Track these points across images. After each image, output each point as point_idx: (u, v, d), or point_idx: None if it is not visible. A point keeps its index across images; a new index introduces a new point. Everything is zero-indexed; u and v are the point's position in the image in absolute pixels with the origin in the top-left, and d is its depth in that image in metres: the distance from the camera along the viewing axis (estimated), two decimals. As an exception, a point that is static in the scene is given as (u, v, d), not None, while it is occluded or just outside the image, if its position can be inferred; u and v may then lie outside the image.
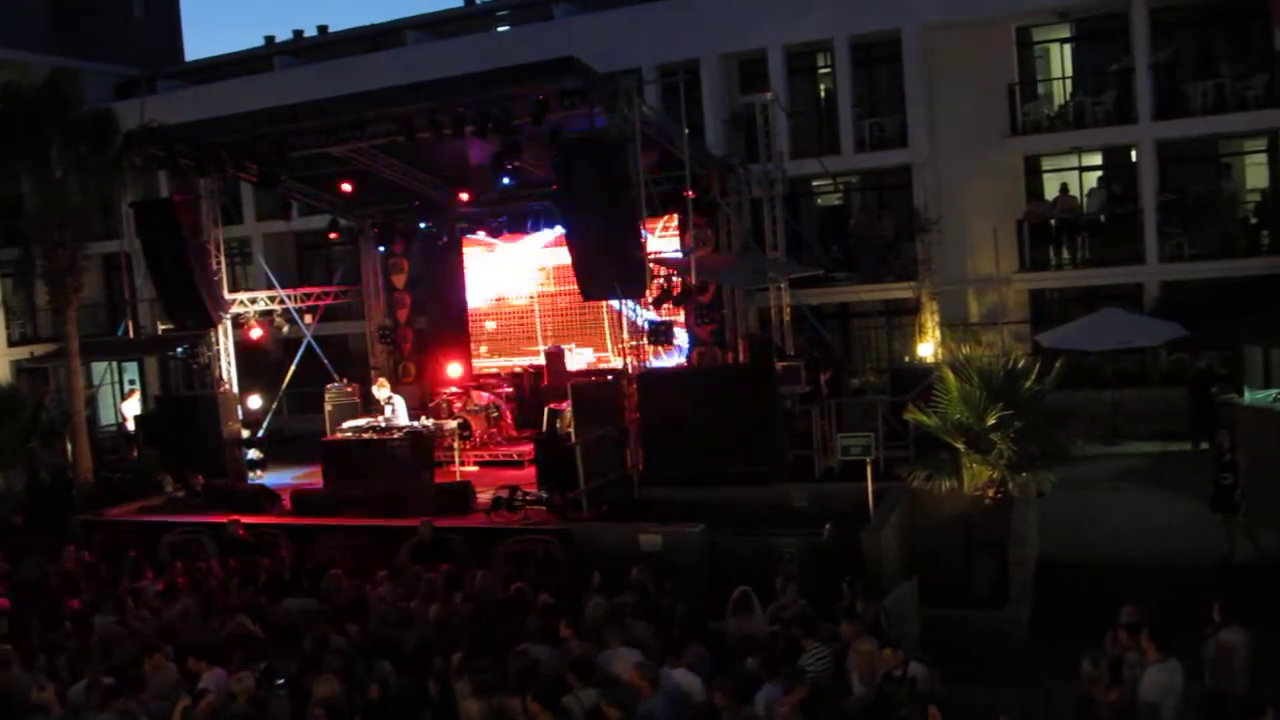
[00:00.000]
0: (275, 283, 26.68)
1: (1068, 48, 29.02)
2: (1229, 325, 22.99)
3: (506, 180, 20.05)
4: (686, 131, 20.75)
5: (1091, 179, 28.49)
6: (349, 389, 24.76)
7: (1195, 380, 23.64)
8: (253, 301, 25.47)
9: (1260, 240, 26.34)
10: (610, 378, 20.37)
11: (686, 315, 22.25)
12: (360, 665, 11.45)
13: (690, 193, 20.29)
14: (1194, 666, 10.76)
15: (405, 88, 20.07)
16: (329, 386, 25.00)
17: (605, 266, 18.13)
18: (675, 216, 23.87)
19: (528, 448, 21.58)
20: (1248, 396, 22.29)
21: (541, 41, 27.40)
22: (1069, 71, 28.98)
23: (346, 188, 24.36)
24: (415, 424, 21.82)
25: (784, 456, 18.89)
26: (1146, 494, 20.20)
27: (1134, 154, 27.37)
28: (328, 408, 24.26)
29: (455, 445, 22.09)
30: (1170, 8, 26.24)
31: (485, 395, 24.23)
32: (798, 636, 11.48)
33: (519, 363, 26.07)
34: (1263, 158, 27.46)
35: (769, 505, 17.61)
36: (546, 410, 21.37)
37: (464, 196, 24.38)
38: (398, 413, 22.13)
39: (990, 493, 15.96)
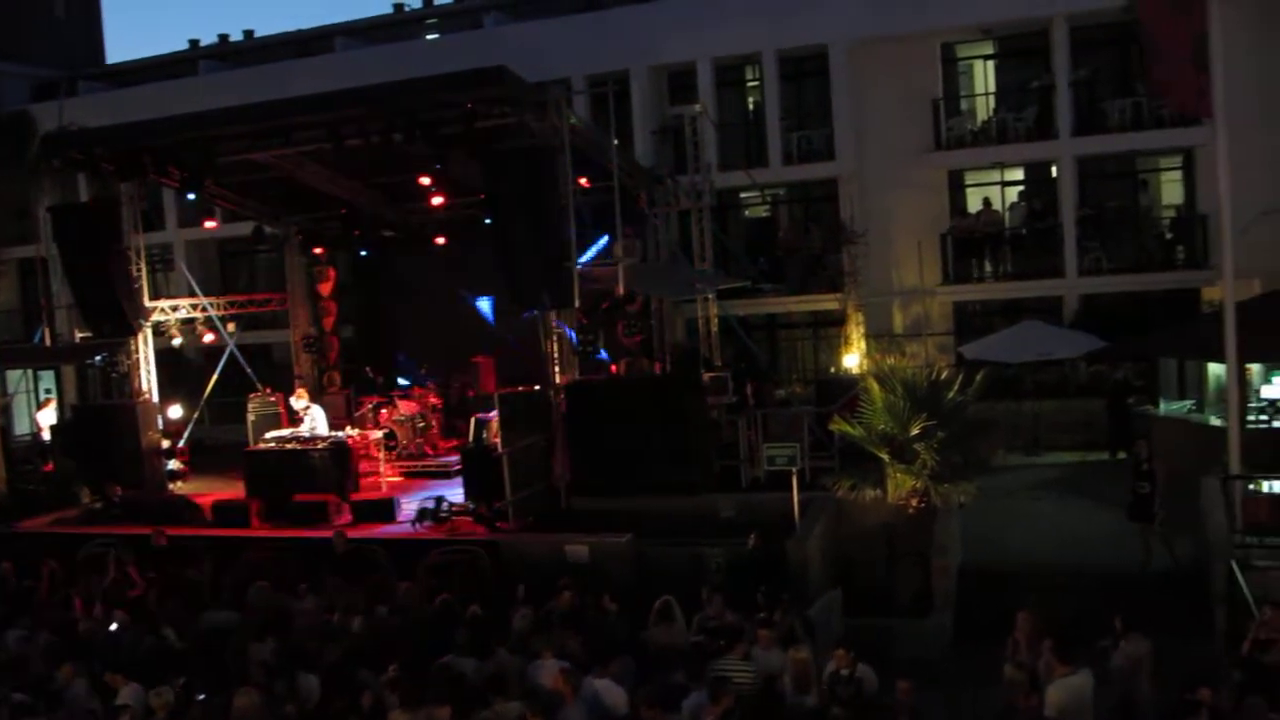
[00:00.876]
0: (198, 290, 26.27)
1: (990, 64, 29.56)
2: (1145, 338, 23.53)
3: (434, 188, 19.92)
4: (616, 142, 20.78)
5: (1013, 193, 29.00)
6: (272, 398, 24.45)
7: (1113, 392, 24.11)
8: (174, 309, 25.04)
9: (1175, 255, 26.96)
10: (538, 388, 20.30)
11: (615, 326, 22.24)
12: (283, 679, 11.30)
13: (619, 203, 20.32)
14: (1106, 675, 10.99)
15: (333, 94, 19.89)
16: (252, 396, 24.69)
17: (534, 276, 18.09)
18: (605, 227, 23.86)
19: (454, 458, 21.49)
20: (1163, 408, 22.82)
21: (471, 50, 27.30)
22: (992, 88, 29.50)
23: (272, 194, 24.08)
24: (339, 434, 21.59)
25: (711, 467, 18.97)
26: (1065, 503, 20.54)
27: (1054, 169, 27.92)
28: (250, 418, 23.94)
29: (380, 456, 21.91)
30: (1089, 27, 26.81)
31: (411, 405, 24.03)
32: (722, 646, 11.54)
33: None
34: (1178, 174, 28.13)
35: (696, 515, 17.65)
36: (473, 420, 21.25)
37: (392, 204, 24.21)
38: (318, 423, 21.88)
39: (914, 502, 16.18)
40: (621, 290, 19.66)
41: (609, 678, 10.73)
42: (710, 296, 24.32)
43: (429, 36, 36.12)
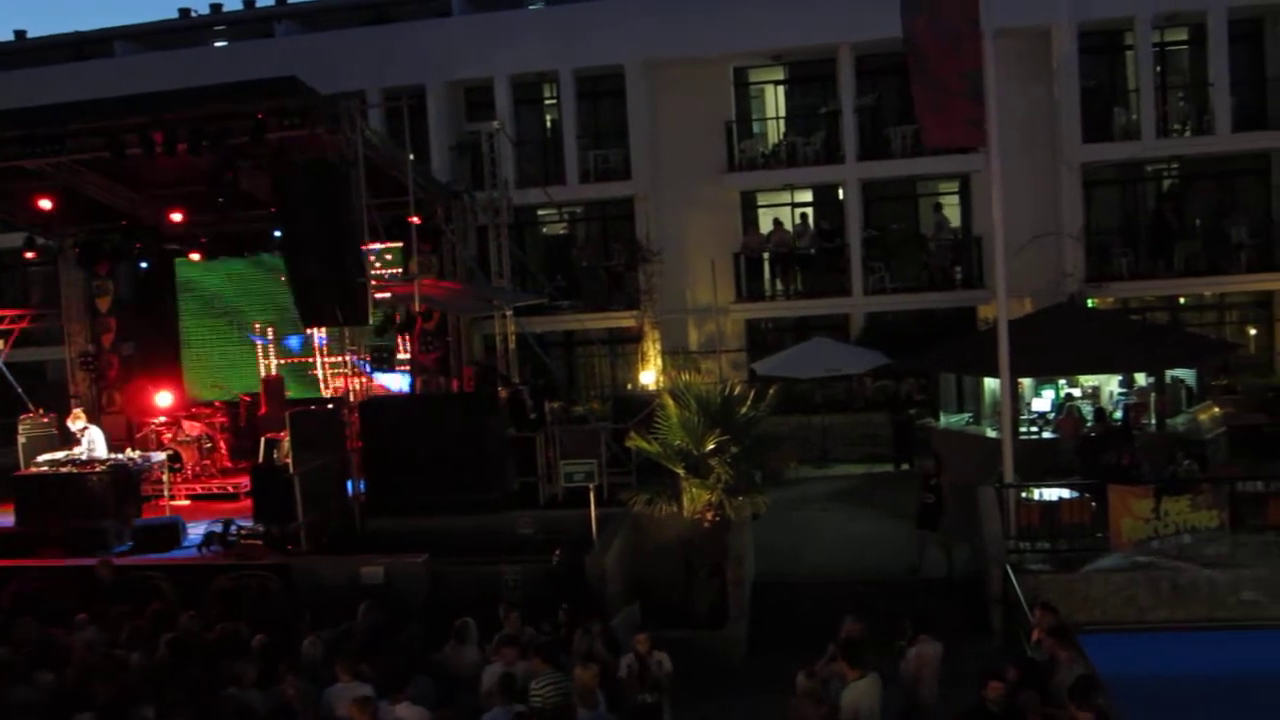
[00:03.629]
0: (-38, 304, 24.70)
1: (781, 89, 30.48)
2: (926, 354, 24.61)
3: (222, 201, 19.26)
4: (411, 157, 20.54)
5: (803, 214, 29.88)
6: (45, 419, 23.09)
7: (896, 405, 25.09)
8: (-65, 324, 23.47)
9: (954, 275, 28.31)
10: (331, 406, 19.86)
11: (411, 343, 21.94)
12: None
13: (415, 219, 20.09)
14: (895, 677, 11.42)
15: (114, 100, 19.01)
16: (23, 417, 23.25)
17: (326, 291, 17.68)
18: (399, 242, 23.52)
19: (243, 480, 20.76)
20: (943, 420, 23.91)
21: (261, 59, 26.57)
22: (782, 112, 30.42)
23: (45, 204, 22.79)
24: (119, 456, 20.60)
25: (509, 484, 18.90)
26: (853, 513, 21.28)
27: (841, 192, 28.93)
28: (21, 440, 22.53)
29: (165, 478, 21.00)
30: (874, 56, 27.93)
31: (197, 425, 23.11)
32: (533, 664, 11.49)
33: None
34: (956, 198, 29.56)
35: (494, 533, 17.53)
36: (263, 440, 20.58)
37: (176, 217, 23.23)
38: (96, 445, 20.80)
39: (709, 516, 16.45)
40: (418, 307, 19.39)
41: (407, 701, 10.53)
42: (508, 313, 24.25)
43: (217, 44, 34.98)
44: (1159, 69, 27.75)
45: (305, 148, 17.99)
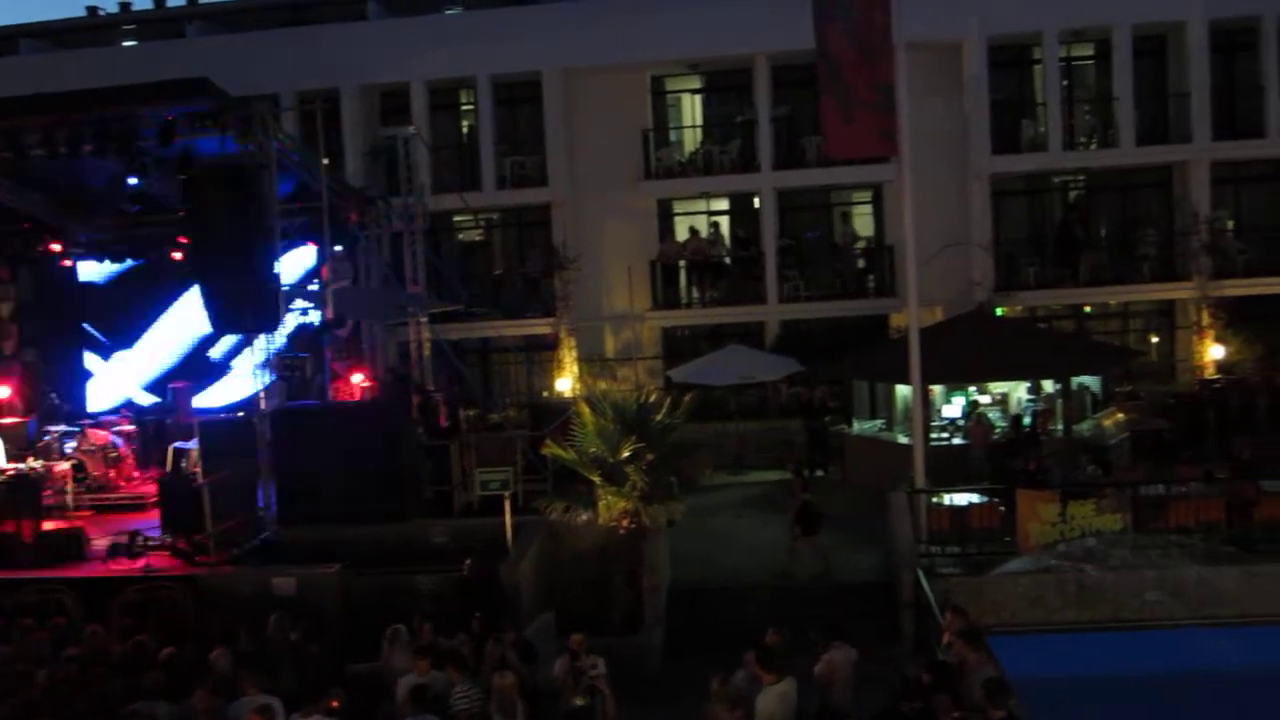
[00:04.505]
0: None
1: (698, 98, 30.62)
2: (839, 361, 24.89)
3: (129, 205, 18.91)
4: (325, 161, 20.33)
5: (720, 222, 30.04)
6: (-59, 428, 22.47)
7: (810, 412, 25.32)
8: None
9: (867, 283, 28.67)
10: (241, 414, 19.55)
11: (324, 350, 21.70)
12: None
13: (329, 224, 19.88)
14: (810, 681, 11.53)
15: (16, 100, 18.55)
16: (-82, 426, 22.61)
17: (236, 298, 17.43)
18: (313, 248, 23.25)
19: (151, 489, 20.36)
20: (856, 427, 24.20)
21: (171, 60, 26.00)
22: (699, 120, 30.55)
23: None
24: (20, 465, 20.09)
25: (422, 493, 18.77)
26: (766, 519, 21.36)
27: (757, 201, 29.15)
28: (-84, 449, 21.90)
29: (68, 488, 20.50)
30: (789, 67, 28.16)
31: (103, 434, 22.61)
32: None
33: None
34: (868, 208, 29.94)
35: (408, 542, 17.46)
36: (171, 449, 20.23)
37: (83, 220, 22.73)
38: (-5, 454, 20.31)
39: (625, 523, 16.50)
40: (330, 314, 19.18)
41: (319, 714, 10.40)
42: (423, 320, 24.08)
43: (126, 43, 34.27)
44: (1066, 83, 28.35)
45: (216, 151, 17.75)
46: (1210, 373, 26.26)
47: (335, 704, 10.68)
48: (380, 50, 28.65)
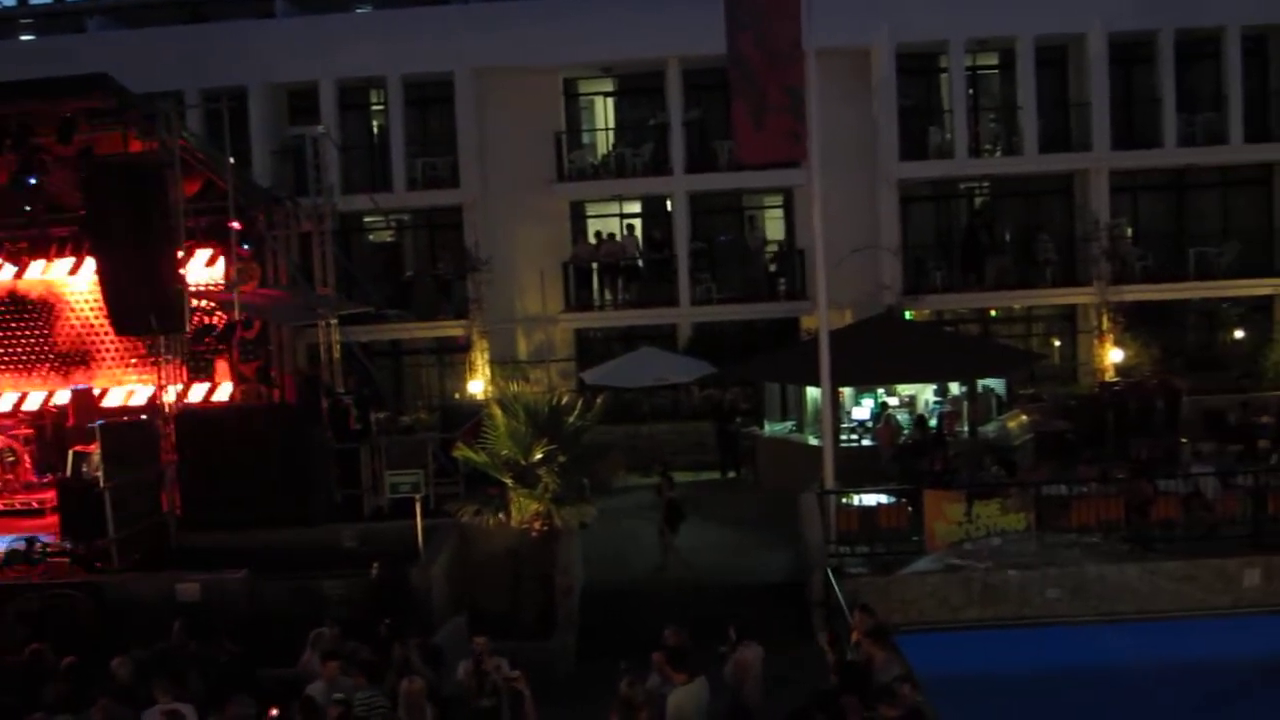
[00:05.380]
0: None
1: (611, 101, 30.69)
2: (751, 363, 25.07)
3: (26, 205, 18.43)
4: (232, 160, 19.98)
5: (632, 225, 30.09)
6: None
7: (722, 414, 25.48)
8: None
9: (778, 286, 28.95)
10: (144, 417, 19.12)
11: (230, 352, 21.32)
12: None
13: (235, 224, 19.54)
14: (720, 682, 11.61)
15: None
16: None
17: (140, 298, 17.07)
18: (219, 248, 22.81)
19: (50, 494, 19.82)
20: (767, 429, 24.41)
21: (71, 55, 25.34)
22: (612, 123, 30.61)
23: None
24: (-90, 471, 19.47)
25: (332, 496, 18.57)
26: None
27: (669, 204, 29.28)
28: None
29: (-38, 494, 19.93)
30: (701, 71, 28.33)
31: (-2, 437, 21.98)
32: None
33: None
34: (779, 212, 30.24)
35: (317, 547, 17.23)
36: (71, 453, 19.72)
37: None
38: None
39: (537, 525, 16.45)
40: (237, 315, 18.86)
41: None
42: (332, 322, 23.76)
43: (24, 37, 33.32)
44: (972, 91, 28.95)
45: (118, 149, 17.39)
46: (1110, 375, 26.98)
47: (274, 711, 10.59)
48: (289, 48, 28.26)
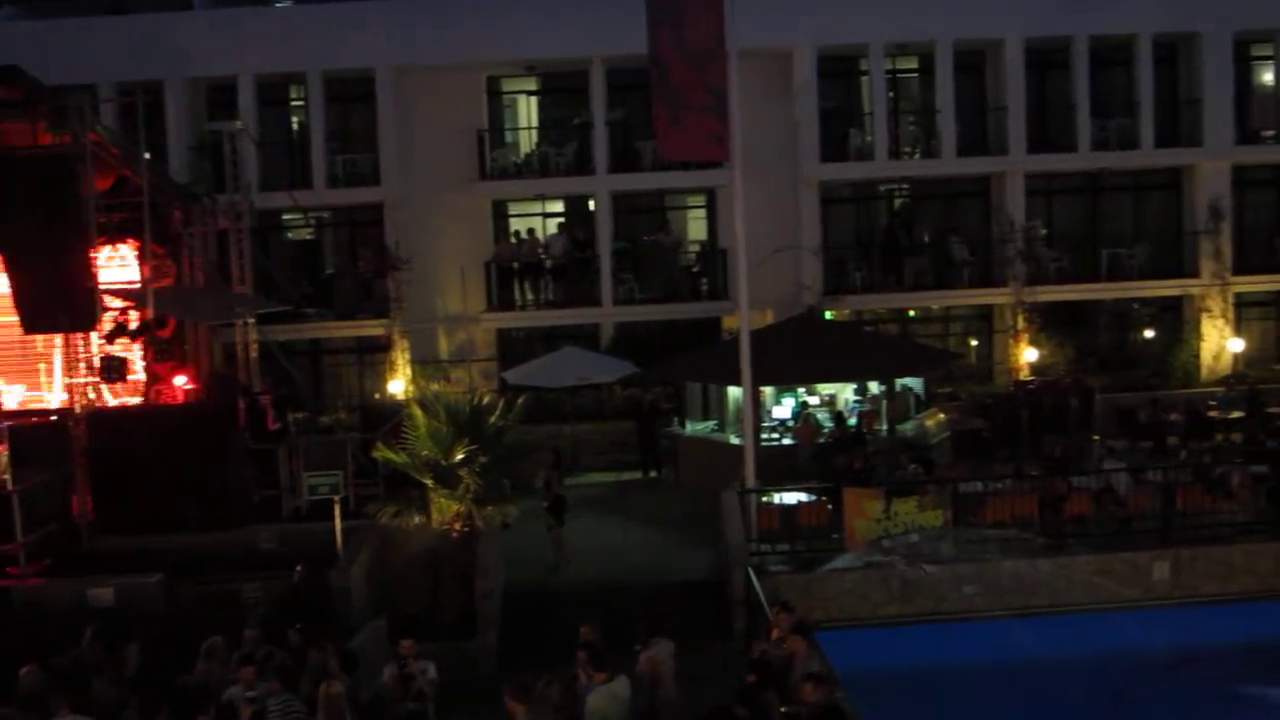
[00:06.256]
0: None
1: (534, 100, 30.59)
2: (672, 363, 25.16)
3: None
4: (147, 155, 19.63)
5: (555, 225, 30.07)
6: None
7: (644, 414, 25.54)
8: None
9: (700, 286, 29.09)
10: (54, 418, 18.71)
11: (144, 351, 20.93)
12: None
13: (150, 220, 19.20)
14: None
15: None
16: None
17: (49, 296, 16.71)
18: (133, 245, 22.38)
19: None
20: (689, 428, 24.51)
21: (-21, 46, 24.75)
22: (535, 122, 30.52)
23: None
24: None
25: (249, 498, 18.33)
26: (602, 520, 21.49)
27: (592, 203, 29.27)
28: None
29: None
30: (625, 70, 28.34)
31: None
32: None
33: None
34: (702, 212, 30.38)
35: (234, 549, 17.03)
36: (-22, 455, 19.23)
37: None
38: None
39: (458, 526, 16.38)
40: (151, 313, 18.53)
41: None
42: (250, 321, 23.46)
43: (-73, 28, 32.40)
44: (892, 94, 29.32)
45: (27, 142, 17.01)
46: (1025, 374, 27.49)
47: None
48: (207, 42, 27.75)
